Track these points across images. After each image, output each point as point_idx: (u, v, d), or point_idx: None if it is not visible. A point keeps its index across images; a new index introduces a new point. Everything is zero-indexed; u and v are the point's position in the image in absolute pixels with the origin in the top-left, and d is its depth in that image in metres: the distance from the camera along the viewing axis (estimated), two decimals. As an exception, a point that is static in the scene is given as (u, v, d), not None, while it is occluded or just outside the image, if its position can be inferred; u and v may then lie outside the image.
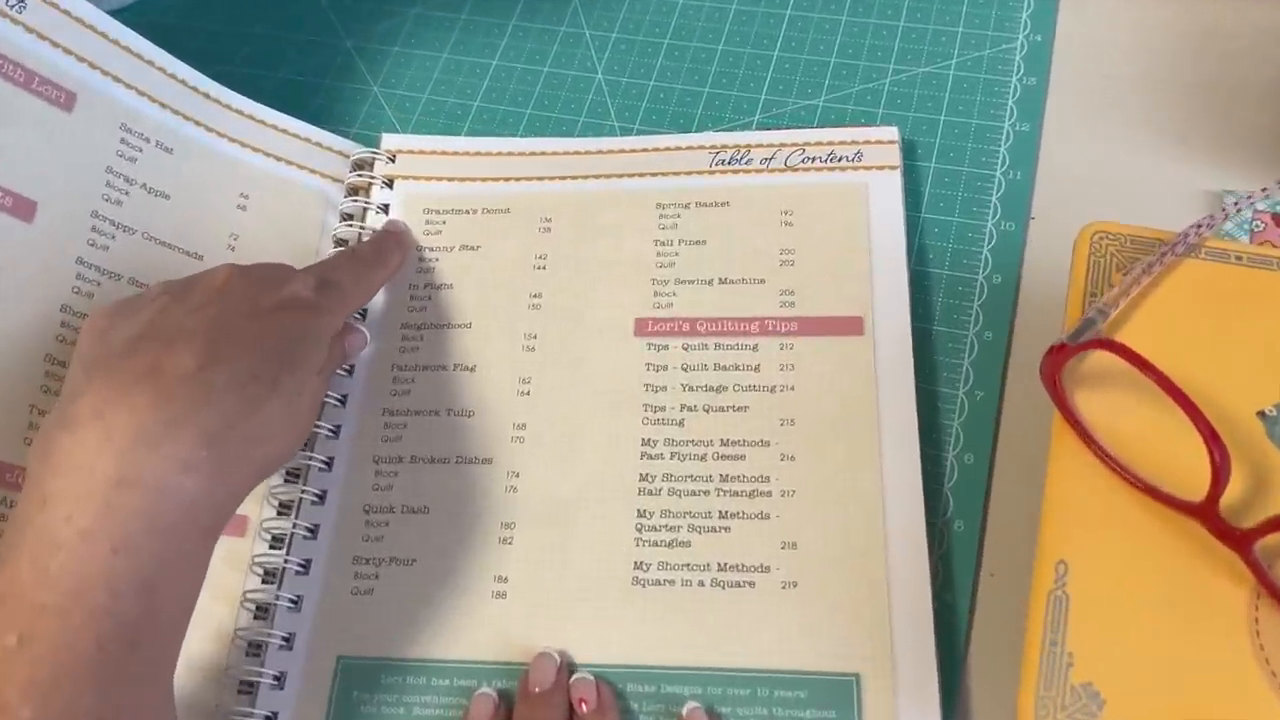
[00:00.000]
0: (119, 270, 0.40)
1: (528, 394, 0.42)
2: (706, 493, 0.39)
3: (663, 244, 0.44)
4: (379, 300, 0.45)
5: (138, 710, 0.30)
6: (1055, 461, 0.33)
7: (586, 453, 0.41)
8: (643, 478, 0.40)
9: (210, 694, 0.38)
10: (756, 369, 0.41)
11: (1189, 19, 0.49)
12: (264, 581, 0.40)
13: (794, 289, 0.43)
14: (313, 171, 0.47)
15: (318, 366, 0.36)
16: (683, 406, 0.41)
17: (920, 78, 0.49)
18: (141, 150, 0.42)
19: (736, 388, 0.41)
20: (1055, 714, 0.30)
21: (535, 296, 0.44)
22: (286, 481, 0.41)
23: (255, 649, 0.38)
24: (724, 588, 0.37)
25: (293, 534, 0.40)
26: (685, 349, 0.42)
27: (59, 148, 0.39)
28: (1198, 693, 0.29)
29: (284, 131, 0.47)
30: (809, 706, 0.35)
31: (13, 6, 0.39)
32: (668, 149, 0.47)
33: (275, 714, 0.37)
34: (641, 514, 0.39)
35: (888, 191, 0.44)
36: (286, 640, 0.38)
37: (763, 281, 0.43)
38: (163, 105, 0.43)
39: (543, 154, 0.48)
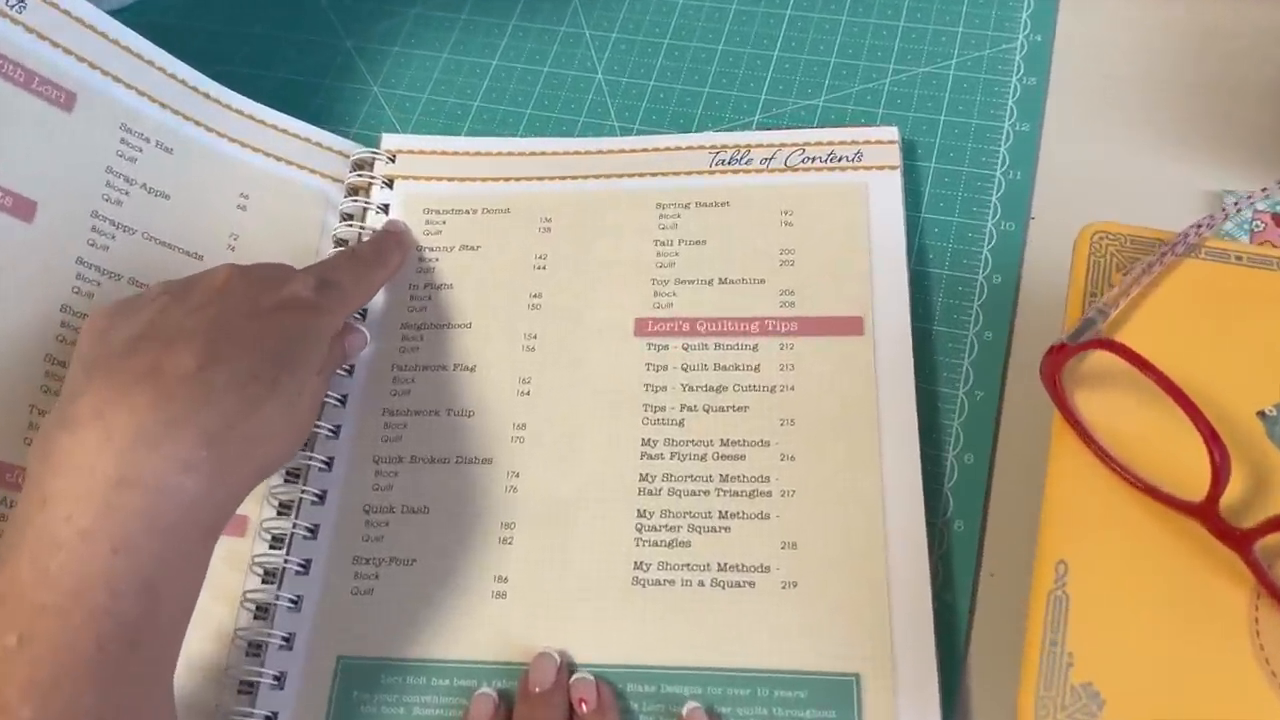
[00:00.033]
0: (119, 270, 0.40)
1: (528, 394, 0.42)
2: (706, 493, 0.39)
3: (663, 244, 0.44)
4: (379, 300, 0.45)
5: (138, 710, 0.30)
6: (1055, 461, 0.33)
7: (586, 453, 0.41)
8: (643, 478, 0.40)
9: (210, 694, 0.38)
10: (756, 369, 0.41)
11: (1189, 19, 0.49)
12: (264, 581, 0.40)
13: (794, 289, 0.43)
14: (313, 171, 0.47)
15: (318, 367, 0.36)
16: (683, 406, 0.41)
17: (920, 78, 0.49)
18: (141, 150, 0.42)
19: (736, 388, 0.41)
20: (1055, 714, 0.30)
21: (535, 296, 0.44)
22: (286, 481, 0.41)
23: (255, 649, 0.38)
24: (724, 588, 0.37)
25: (293, 534, 0.40)
26: (685, 349, 0.42)
27: (59, 148, 0.39)
28: (1197, 693, 0.29)
29: (284, 131, 0.47)
30: (809, 706, 0.35)
31: (13, 6, 0.39)
32: (668, 149, 0.47)
33: (275, 714, 0.37)
34: (641, 514, 0.39)
35: (888, 191, 0.44)
36: (286, 640, 0.38)
37: (763, 281, 0.43)
38: (163, 105, 0.43)
39: (543, 154, 0.48)
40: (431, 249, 0.46)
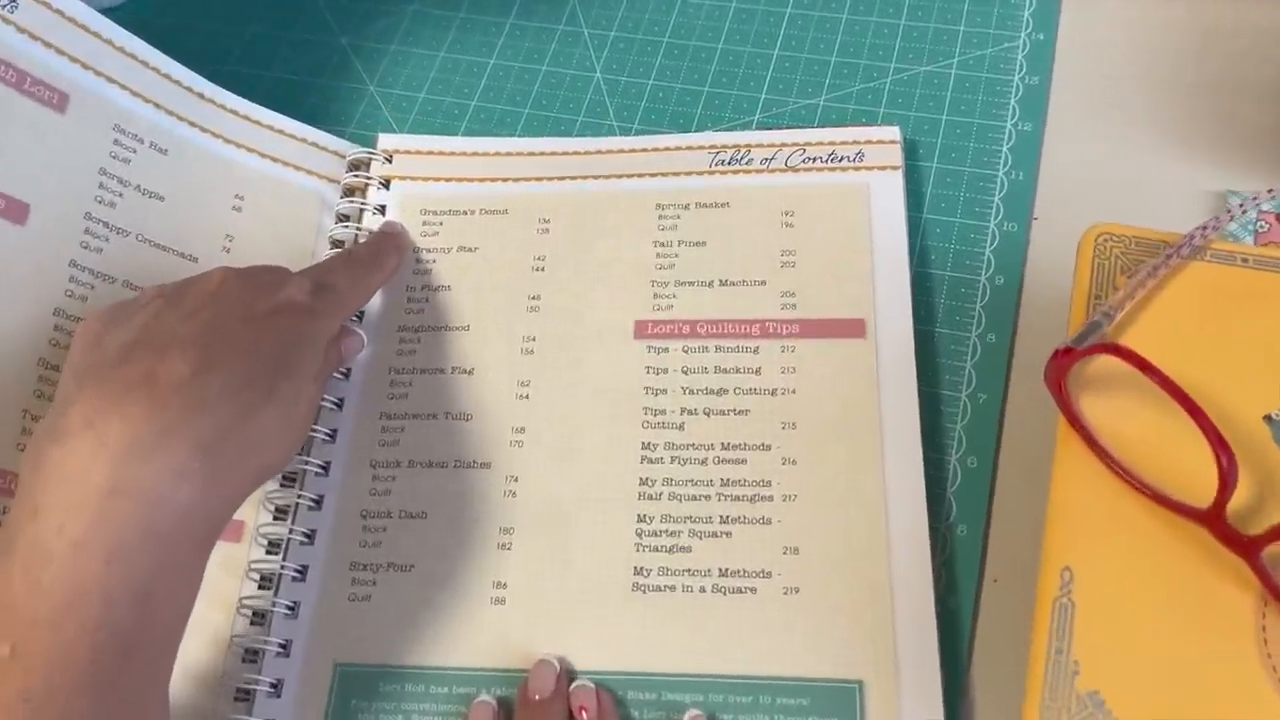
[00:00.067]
0: (113, 273, 0.40)
1: (527, 397, 0.42)
2: (707, 497, 0.39)
3: (662, 245, 0.44)
4: (376, 302, 0.44)
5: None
6: (1060, 466, 0.33)
7: (586, 456, 0.40)
8: (643, 482, 0.39)
9: (206, 702, 0.37)
10: (757, 372, 0.41)
11: (1191, 18, 0.49)
12: (260, 587, 0.39)
13: (795, 290, 0.42)
14: (308, 172, 0.47)
15: (314, 372, 0.35)
16: (683, 410, 0.41)
17: (922, 76, 0.49)
18: (135, 151, 0.41)
19: (737, 391, 0.41)
20: (1061, 723, 0.29)
21: (534, 298, 0.43)
22: (283, 486, 0.41)
23: (252, 656, 0.38)
24: (725, 594, 0.37)
25: (289, 539, 0.39)
26: (685, 351, 0.42)
27: (52, 149, 0.39)
28: (1204, 700, 0.29)
29: (279, 132, 0.46)
30: (811, 714, 0.35)
31: (4, 6, 0.38)
32: (667, 149, 0.47)
33: (272, 722, 0.37)
34: (642, 519, 0.39)
35: (889, 192, 0.44)
36: (283, 647, 0.38)
37: (763, 283, 0.43)
38: (157, 106, 0.42)
39: (541, 154, 0.47)
40: (429, 250, 0.45)
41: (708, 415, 0.40)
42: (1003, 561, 0.38)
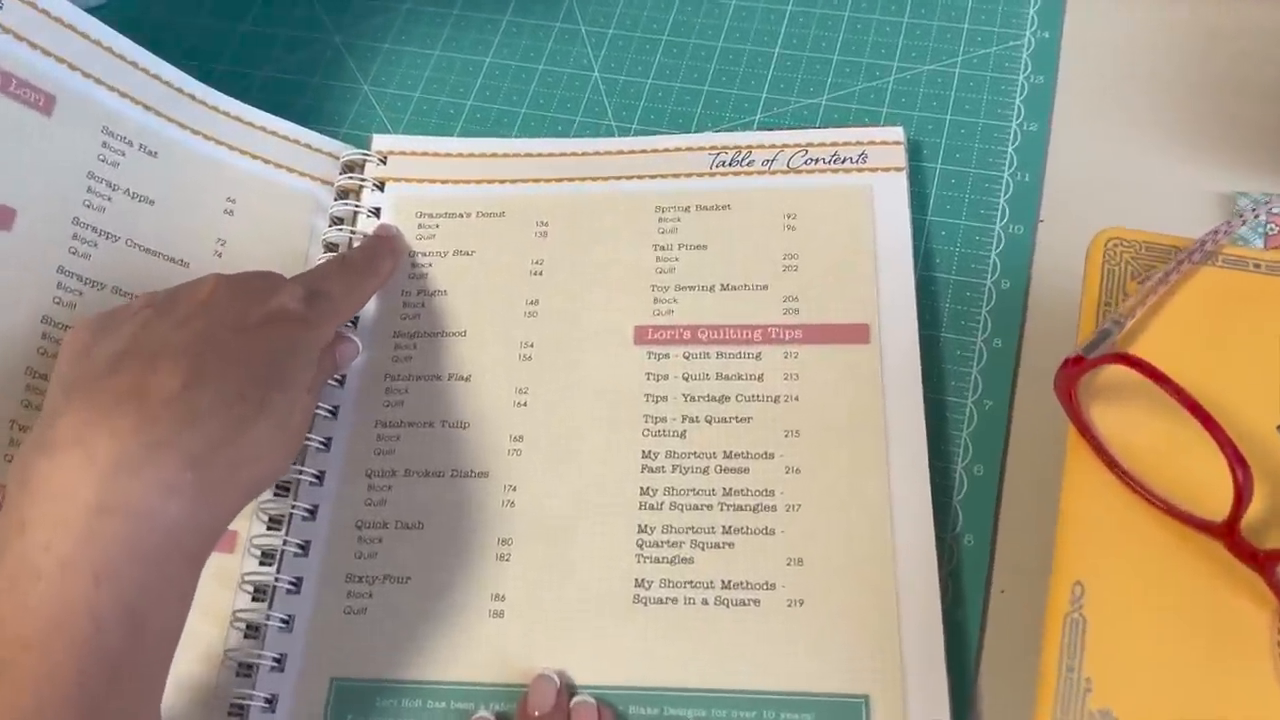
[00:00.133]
0: (102, 279, 0.39)
1: (525, 404, 0.41)
2: (709, 507, 0.38)
3: (662, 249, 0.43)
4: (371, 308, 0.43)
5: (124, 740, 0.29)
6: (1070, 478, 0.32)
7: (585, 465, 0.39)
8: (644, 491, 0.39)
9: (199, 717, 0.37)
10: (760, 378, 0.40)
11: (1194, 19, 0.48)
12: (254, 599, 0.38)
13: (798, 295, 0.42)
14: (301, 174, 0.46)
15: (307, 382, 0.35)
16: (684, 417, 0.40)
17: (925, 75, 0.48)
18: (124, 154, 0.41)
19: (739, 398, 0.40)
20: (1073, 742, 0.29)
21: (532, 303, 0.43)
22: (277, 496, 0.40)
23: (246, 670, 0.37)
24: (728, 606, 0.36)
25: (283, 550, 0.39)
26: (686, 358, 0.41)
27: (38, 152, 0.38)
28: (1219, 718, 0.29)
29: (271, 133, 0.46)
30: (816, 729, 0.34)
31: (-12, 6, 0.37)
32: (667, 150, 0.46)
33: (267, 738, 0.36)
34: (642, 529, 0.38)
35: (893, 194, 0.43)
36: (278, 661, 0.37)
37: (765, 287, 0.42)
38: (146, 107, 0.42)
39: (538, 155, 0.46)
40: (424, 254, 0.44)
41: (709, 423, 0.40)
42: (1010, 572, 0.37)
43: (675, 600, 0.37)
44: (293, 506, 0.39)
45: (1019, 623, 0.36)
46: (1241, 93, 0.46)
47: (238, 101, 0.45)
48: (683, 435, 0.40)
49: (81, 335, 0.33)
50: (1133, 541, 0.31)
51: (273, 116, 0.46)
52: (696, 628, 0.36)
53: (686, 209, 0.44)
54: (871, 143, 0.44)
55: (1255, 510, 0.30)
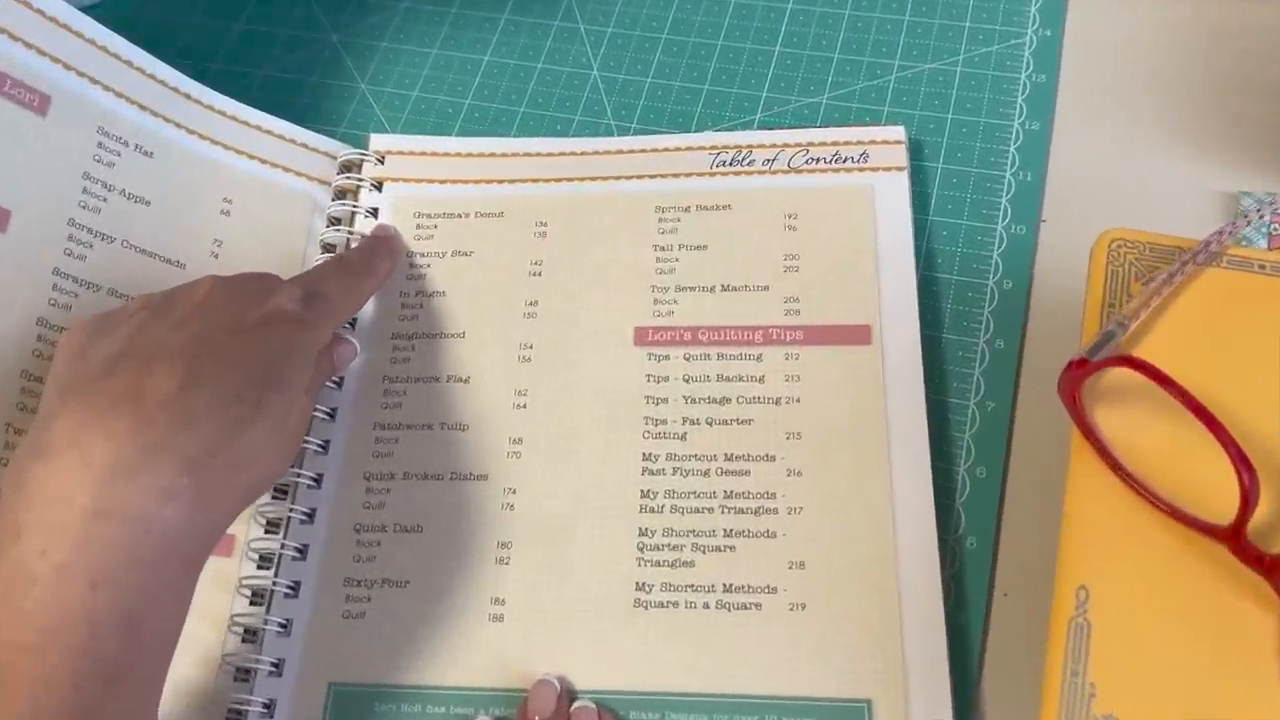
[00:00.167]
0: (97, 280, 0.39)
1: (524, 406, 0.41)
2: (710, 510, 0.38)
3: (662, 249, 0.43)
4: (369, 309, 0.43)
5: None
6: (1074, 481, 0.32)
7: (585, 468, 0.39)
8: (644, 494, 0.38)
9: (197, 722, 0.36)
10: (761, 380, 0.40)
11: (1197, 17, 0.48)
12: (252, 603, 0.38)
13: (798, 295, 0.41)
14: (298, 174, 0.45)
15: (305, 385, 0.34)
16: (685, 420, 0.40)
17: (926, 74, 0.48)
18: (120, 154, 0.40)
19: (740, 400, 0.40)
20: (1078, 748, 0.28)
21: (531, 304, 0.42)
22: (274, 499, 0.40)
23: (244, 675, 0.37)
24: (730, 610, 0.36)
25: (281, 554, 0.38)
26: (687, 359, 0.41)
27: (33, 153, 0.38)
28: (1224, 723, 0.28)
29: (268, 133, 0.45)
30: (819, 734, 0.34)
31: (-17, 6, 0.37)
32: (666, 150, 0.45)
33: (265, 743, 0.36)
34: (643, 532, 0.38)
35: (894, 193, 0.43)
36: (276, 666, 0.37)
37: (766, 288, 0.42)
38: (141, 107, 0.41)
39: (537, 155, 0.46)
40: (423, 255, 0.44)
41: (710, 425, 0.39)
42: (1013, 574, 0.37)
43: (676, 604, 0.37)
44: (290, 510, 0.39)
45: (1022, 626, 0.36)
46: (1245, 91, 0.45)
47: (234, 101, 0.44)
48: (683, 437, 0.39)
49: (77, 337, 0.33)
50: (1137, 545, 0.31)
51: (269, 116, 0.45)
52: (698, 631, 0.36)
53: (686, 209, 0.44)
54: (873, 142, 0.44)
55: (1261, 514, 0.30)
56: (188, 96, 0.43)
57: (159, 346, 0.32)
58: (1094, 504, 0.32)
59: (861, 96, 0.48)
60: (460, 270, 0.44)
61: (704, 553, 0.37)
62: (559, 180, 0.45)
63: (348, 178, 0.46)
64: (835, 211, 0.43)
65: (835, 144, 0.44)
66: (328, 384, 0.41)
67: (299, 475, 0.39)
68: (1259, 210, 0.36)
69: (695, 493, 0.38)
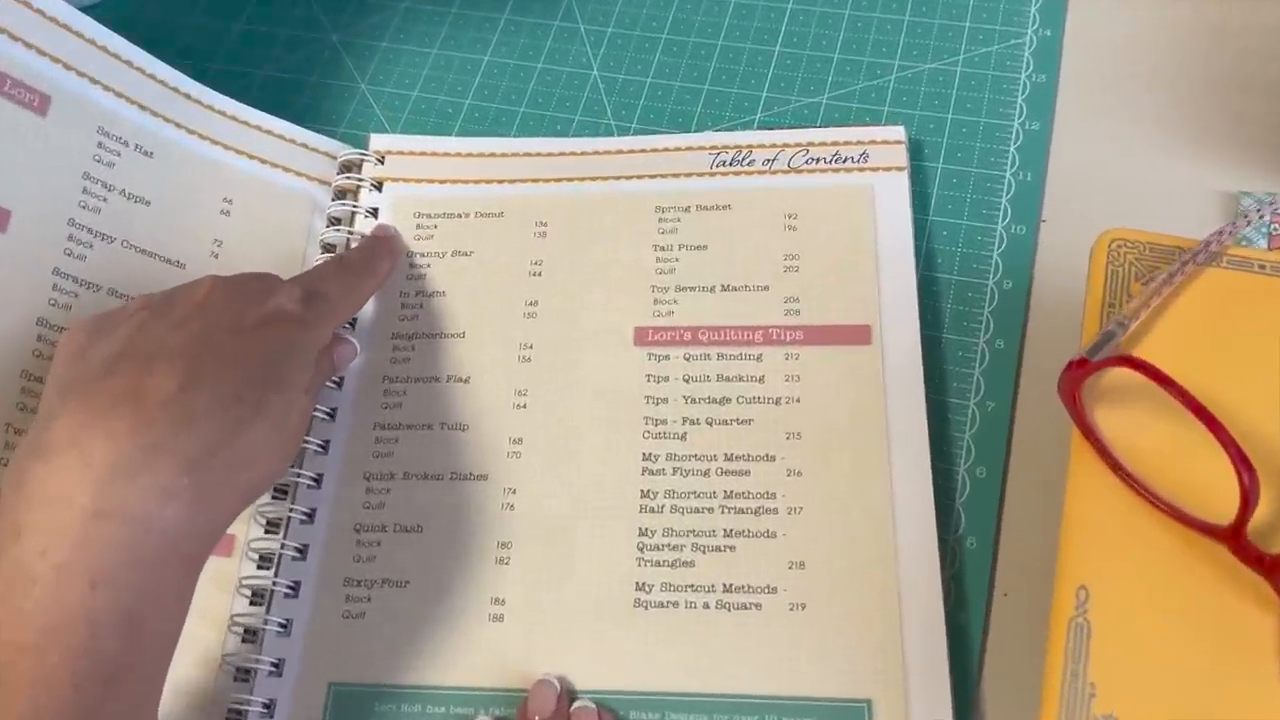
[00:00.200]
0: (97, 280, 0.39)
1: (524, 406, 0.41)
2: (710, 510, 0.38)
3: (662, 249, 0.43)
4: (369, 309, 0.43)
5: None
6: (1074, 481, 0.32)
7: (585, 468, 0.39)
8: (644, 494, 0.38)
9: (197, 722, 0.36)
10: (761, 380, 0.40)
11: (1197, 16, 0.48)
12: (252, 603, 0.38)
13: (799, 295, 0.41)
14: (298, 174, 0.45)
15: (305, 385, 0.34)
16: (685, 420, 0.40)
17: (926, 74, 0.48)
18: (120, 154, 0.40)
19: (740, 400, 0.40)
20: (1078, 748, 0.28)
21: (531, 304, 0.42)
22: (274, 499, 0.40)
23: (244, 675, 0.37)
24: (730, 610, 0.36)
25: (281, 554, 0.38)
26: (687, 359, 0.41)
27: (33, 153, 0.38)
28: (1224, 724, 0.28)
29: (268, 133, 0.45)
30: (819, 734, 0.34)
31: (-18, 6, 0.37)
32: (666, 150, 0.45)
33: (265, 743, 0.36)
34: (643, 532, 0.38)
35: (894, 193, 0.43)
36: (276, 666, 0.37)
37: (766, 288, 0.42)
38: (141, 107, 0.41)
39: (537, 155, 0.46)
40: (423, 255, 0.44)
41: (710, 425, 0.39)
42: (1013, 575, 0.37)
43: (676, 604, 0.37)
44: (290, 510, 0.39)
45: (1022, 626, 0.36)
46: (1246, 90, 0.45)
47: (234, 101, 0.44)
48: (683, 438, 0.39)
49: (77, 337, 0.33)
50: (1137, 545, 0.31)
51: (269, 116, 0.45)
52: (698, 632, 0.36)
53: (686, 209, 0.44)
54: (873, 142, 0.44)
55: (1262, 514, 0.30)
56: (188, 96, 0.43)
57: (159, 346, 0.32)
58: (1094, 504, 0.32)
59: (861, 96, 0.48)
60: (460, 270, 0.44)
61: (704, 553, 0.37)
62: (559, 180, 0.45)
63: (348, 178, 0.46)
64: (835, 211, 0.43)
65: (835, 144, 0.44)
66: (328, 384, 0.41)
67: (299, 475, 0.39)
68: (1259, 210, 0.36)
69: (695, 493, 0.38)
